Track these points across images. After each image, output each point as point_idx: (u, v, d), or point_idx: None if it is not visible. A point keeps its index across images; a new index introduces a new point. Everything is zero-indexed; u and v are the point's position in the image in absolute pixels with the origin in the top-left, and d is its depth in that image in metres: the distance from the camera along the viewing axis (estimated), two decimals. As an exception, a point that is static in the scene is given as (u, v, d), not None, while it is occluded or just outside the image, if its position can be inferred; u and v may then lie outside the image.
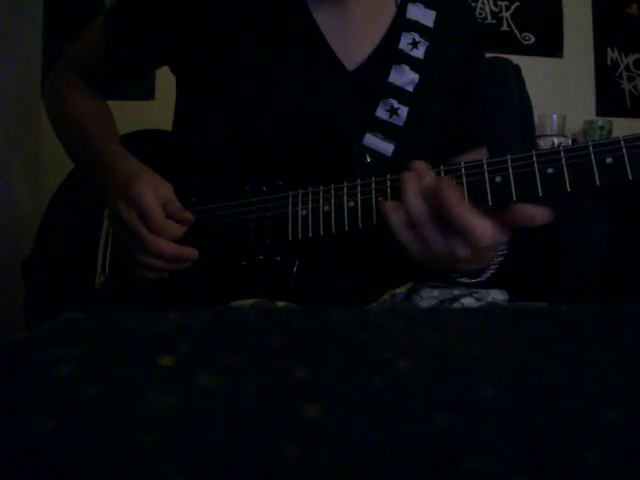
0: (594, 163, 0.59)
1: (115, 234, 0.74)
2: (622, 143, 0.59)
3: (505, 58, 1.60)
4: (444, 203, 0.58)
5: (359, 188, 0.68)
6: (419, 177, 0.62)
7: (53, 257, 0.84)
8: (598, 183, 0.59)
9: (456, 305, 0.69)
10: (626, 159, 0.58)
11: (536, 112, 1.69)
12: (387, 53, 0.80)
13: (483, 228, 0.58)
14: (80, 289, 0.80)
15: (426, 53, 0.81)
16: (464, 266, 0.64)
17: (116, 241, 0.75)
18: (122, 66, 0.86)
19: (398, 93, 0.79)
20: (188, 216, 0.72)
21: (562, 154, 0.61)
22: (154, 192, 0.70)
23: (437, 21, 0.82)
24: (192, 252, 0.71)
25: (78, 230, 0.84)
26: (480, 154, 0.87)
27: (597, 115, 2.20)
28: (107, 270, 0.78)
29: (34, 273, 0.85)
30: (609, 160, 0.59)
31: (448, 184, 0.60)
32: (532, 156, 0.62)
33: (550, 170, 0.61)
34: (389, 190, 0.67)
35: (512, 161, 0.63)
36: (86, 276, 0.79)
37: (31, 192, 1.66)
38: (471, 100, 0.87)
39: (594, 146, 0.60)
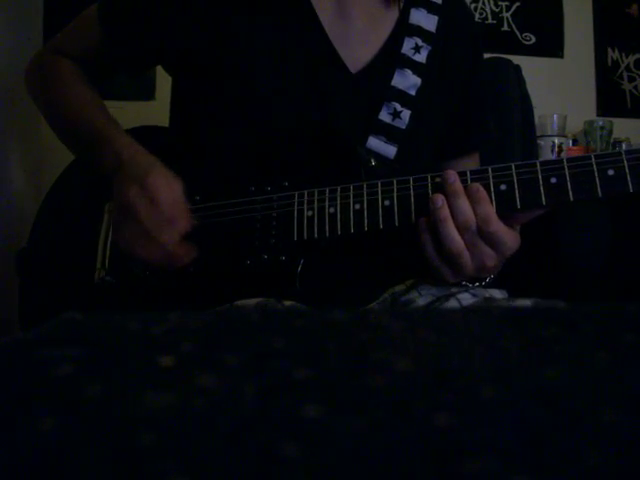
0: (596, 175, 0.60)
1: (116, 221, 0.74)
2: (623, 155, 0.60)
3: (505, 58, 1.59)
4: (483, 217, 0.63)
5: (365, 190, 0.68)
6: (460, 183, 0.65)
7: (50, 250, 0.84)
8: (600, 194, 0.60)
9: (452, 301, 0.69)
10: (627, 172, 0.59)
11: (537, 112, 1.69)
12: (390, 57, 0.81)
13: (513, 239, 0.65)
14: (78, 283, 0.79)
15: (428, 57, 0.82)
16: (483, 274, 0.68)
17: (116, 229, 0.74)
18: (117, 59, 0.84)
19: (401, 96, 0.80)
20: (192, 219, 0.72)
21: (565, 164, 0.62)
22: (168, 186, 0.71)
23: (439, 26, 0.83)
24: (192, 251, 0.71)
25: (76, 224, 0.83)
26: (472, 160, 0.89)
27: (598, 115, 2.20)
28: (107, 265, 0.77)
29: (30, 265, 0.84)
30: (611, 172, 0.60)
31: (485, 195, 0.63)
32: (536, 165, 0.63)
33: (554, 180, 0.62)
34: (395, 193, 0.67)
35: (516, 168, 0.63)
36: (85, 270, 0.79)
37: (31, 186, 1.66)
38: (468, 106, 0.88)
39: (596, 157, 0.61)
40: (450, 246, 0.64)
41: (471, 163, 0.88)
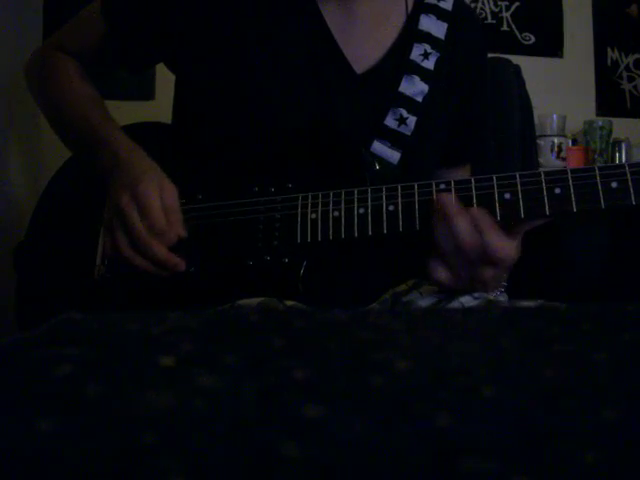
0: (600, 187, 0.61)
1: (107, 227, 0.73)
2: (627, 168, 0.60)
3: (505, 58, 1.59)
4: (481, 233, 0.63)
5: (369, 195, 0.68)
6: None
7: (48, 246, 0.83)
8: (603, 206, 0.61)
9: (454, 303, 0.69)
10: (630, 184, 0.60)
11: (536, 112, 1.69)
12: (398, 62, 0.81)
13: (506, 249, 0.64)
14: (77, 280, 0.79)
15: (436, 64, 0.81)
16: (484, 288, 0.68)
17: (107, 235, 0.73)
18: (120, 54, 0.84)
19: (408, 103, 0.79)
20: (182, 230, 0.71)
21: (569, 175, 0.62)
22: (160, 194, 0.70)
23: (448, 33, 0.83)
24: (180, 264, 0.71)
25: (75, 220, 0.83)
26: (464, 172, 0.89)
27: (597, 115, 2.20)
28: (107, 262, 0.77)
29: (27, 261, 0.84)
30: (614, 185, 0.60)
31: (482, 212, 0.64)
32: (540, 175, 0.63)
33: (558, 190, 0.62)
34: (400, 199, 0.67)
35: (521, 177, 0.64)
36: (84, 267, 0.78)
37: (31, 186, 1.65)
38: (468, 118, 0.88)
39: (600, 169, 0.61)
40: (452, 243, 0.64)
41: (460, 174, 0.88)
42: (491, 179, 0.65)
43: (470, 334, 0.26)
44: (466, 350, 0.23)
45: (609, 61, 2.26)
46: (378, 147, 0.79)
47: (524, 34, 2.21)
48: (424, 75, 0.80)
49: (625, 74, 2.26)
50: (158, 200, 0.69)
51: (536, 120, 1.72)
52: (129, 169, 0.72)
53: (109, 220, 0.72)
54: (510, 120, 1.49)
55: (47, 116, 0.87)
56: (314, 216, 0.70)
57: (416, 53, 0.81)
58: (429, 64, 0.81)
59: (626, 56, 2.27)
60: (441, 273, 0.66)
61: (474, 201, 0.65)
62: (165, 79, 0.93)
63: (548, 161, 1.89)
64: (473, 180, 0.65)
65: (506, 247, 0.64)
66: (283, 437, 0.16)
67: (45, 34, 1.88)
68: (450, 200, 0.64)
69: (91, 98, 0.83)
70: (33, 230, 0.86)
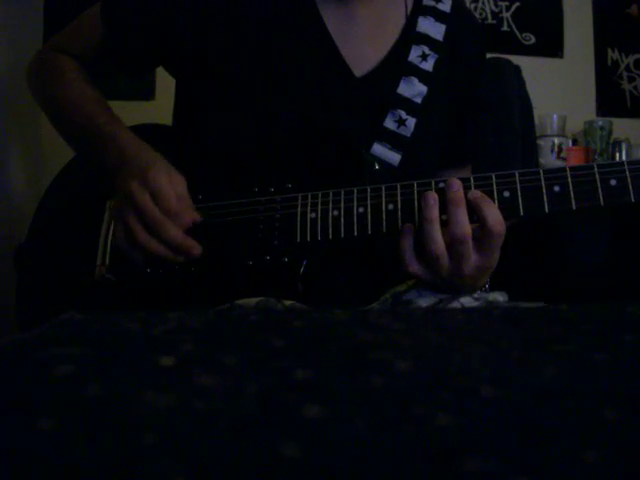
0: (599, 184, 0.61)
1: (117, 216, 0.73)
2: (626, 166, 0.60)
3: (505, 58, 1.60)
4: (495, 218, 0.63)
5: (369, 194, 0.68)
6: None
7: (49, 246, 0.84)
8: (602, 204, 0.61)
9: (455, 304, 0.69)
10: (629, 182, 0.60)
11: (536, 112, 1.69)
12: (396, 64, 0.81)
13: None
14: (78, 281, 0.79)
15: (435, 66, 0.81)
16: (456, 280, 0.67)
17: (117, 224, 0.73)
18: (119, 59, 0.84)
19: (407, 104, 0.80)
20: (196, 215, 0.71)
21: (568, 173, 0.62)
22: (170, 180, 0.70)
23: (447, 35, 0.83)
24: (196, 247, 0.71)
25: (76, 220, 0.83)
26: (464, 172, 0.89)
27: (597, 115, 2.20)
28: (107, 262, 0.77)
29: (28, 262, 0.84)
30: (613, 182, 0.60)
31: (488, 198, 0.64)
32: (539, 173, 0.63)
33: (557, 188, 0.62)
34: (399, 197, 0.67)
35: (520, 176, 0.64)
36: (84, 267, 0.78)
37: (31, 186, 1.66)
38: (467, 118, 0.88)
39: (599, 167, 0.61)
40: (431, 247, 0.64)
41: (460, 175, 0.88)
42: (490, 177, 0.65)
43: (470, 334, 0.26)
44: (466, 350, 0.23)
45: (609, 61, 2.26)
46: (378, 149, 0.79)
47: (524, 34, 2.21)
48: (423, 77, 0.81)
49: (625, 74, 2.26)
50: (169, 186, 0.69)
51: (536, 120, 1.72)
52: (137, 162, 0.72)
53: (119, 210, 0.72)
54: (510, 120, 1.49)
55: (50, 117, 0.87)
56: (313, 215, 0.70)
57: (414, 55, 0.81)
58: (427, 66, 0.81)
59: (626, 56, 2.27)
60: (417, 268, 0.66)
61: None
62: (165, 79, 0.93)
63: (548, 161, 1.89)
64: (472, 178, 0.65)
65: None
66: (283, 437, 0.16)
67: (45, 34, 1.88)
68: (458, 187, 0.64)
69: (94, 98, 0.83)
70: (34, 231, 0.86)
